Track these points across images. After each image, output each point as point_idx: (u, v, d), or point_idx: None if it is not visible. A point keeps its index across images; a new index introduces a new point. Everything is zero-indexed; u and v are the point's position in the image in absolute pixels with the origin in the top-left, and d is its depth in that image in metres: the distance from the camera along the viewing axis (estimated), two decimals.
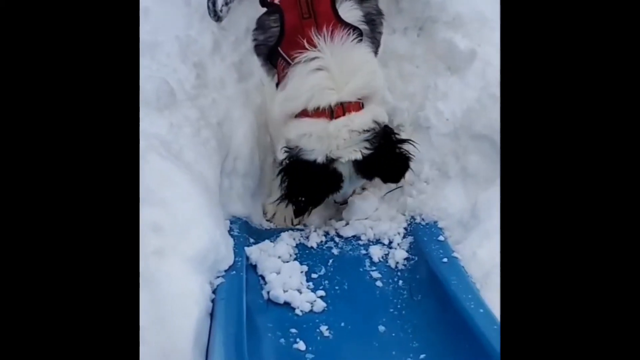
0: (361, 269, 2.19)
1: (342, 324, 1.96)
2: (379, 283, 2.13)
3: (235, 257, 2.02)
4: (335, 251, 2.26)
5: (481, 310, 1.84)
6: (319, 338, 1.91)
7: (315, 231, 2.33)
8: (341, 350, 1.88)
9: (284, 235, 2.25)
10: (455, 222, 2.26)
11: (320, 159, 2.12)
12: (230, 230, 2.16)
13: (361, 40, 2.16)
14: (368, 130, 2.11)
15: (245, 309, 1.85)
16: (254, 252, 2.14)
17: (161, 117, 2.18)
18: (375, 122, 2.14)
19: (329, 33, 2.09)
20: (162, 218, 1.83)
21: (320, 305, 2.01)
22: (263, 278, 2.08)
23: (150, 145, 2.00)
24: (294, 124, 2.16)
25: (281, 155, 2.23)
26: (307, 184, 2.17)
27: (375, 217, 2.38)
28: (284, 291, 2.02)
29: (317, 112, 2.11)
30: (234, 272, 1.97)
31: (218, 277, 1.92)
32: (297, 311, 1.99)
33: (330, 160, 2.13)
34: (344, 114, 2.10)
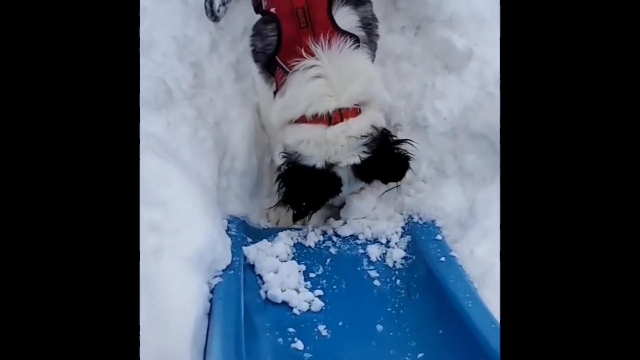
0: (359, 268, 2.19)
1: (340, 323, 1.96)
2: (376, 282, 2.13)
3: (233, 257, 2.02)
4: (333, 250, 2.26)
5: (479, 309, 1.84)
6: (316, 337, 1.91)
7: (312, 230, 2.33)
8: (339, 350, 1.88)
9: (282, 234, 2.25)
10: (453, 221, 2.26)
11: (319, 164, 2.13)
12: (227, 230, 2.16)
13: (358, 46, 2.17)
14: (366, 136, 2.12)
15: (243, 309, 1.85)
16: (252, 251, 2.14)
17: (158, 116, 2.17)
18: (374, 126, 2.15)
19: (326, 41, 2.10)
20: (159, 218, 1.83)
21: (318, 304, 2.01)
22: (261, 277, 2.08)
23: (147, 145, 2.00)
24: (292, 130, 2.16)
25: (279, 161, 2.23)
26: (306, 188, 2.18)
27: (373, 216, 2.38)
28: (282, 290, 2.02)
29: (315, 119, 2.11)
30: (232, 271, 1.97)
31: (216, 276, 1.92)
32: (295, 310, 1.99)
33: (329, 165, 2.14)
34: (341, 120, 2.11)
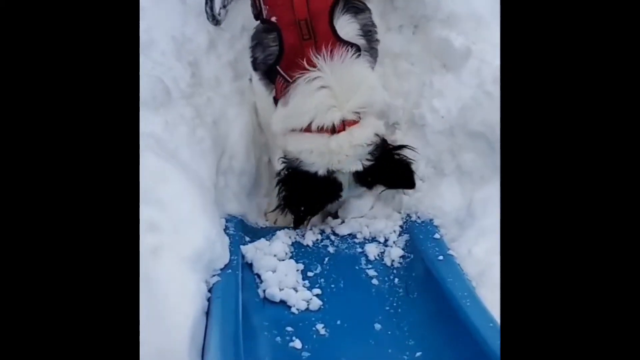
0: (357, 267, 2.19)
1: (338, 322, 1.96)
2: (374, 281, 2.13)
3: (231, 256, 2.02)
4: (331, 249, 2.26)
5: (477, 308, 1.84)
6: (315, 336, 1.91)
7: (311, 229, 2.33)
8: (337, 349, 1.88)
9: (280, 233, 2.25)
10: (451, 219, 2.26)
11: (321, 172, 2.15)
12: (225, 229, 2.16)
13: (359, 55, 2.17)
14: (370, 144, 2.14)
15: (241, 308, 1.85)
16: (250, 250, 2.14)
17: (156, 115, 2.17)
18: (377, 135, 2.16)
19: (329, 52, 2.10)
20: (157, 217, 1.83)
21: (316, 303, 2.01)
22: (259, 276, 2.08)
23: (145, 144, 1.99)
24: (294, 138, 2.17)
25: (279, 166, 2.23)
26: (306, 193, 2.18)
27: (371, 215, 2.38)
28: (280, 289, 2.02)
29: (319, 129, 2.12)
30: (230, 270, 1.97)
31: (214, 275, 1.92)
32: (293, 309, 1.99)
33: (331, 172, 2.15)
34: (344, 129, 2.12)
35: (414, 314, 1.99)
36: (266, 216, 2.46)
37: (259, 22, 2.29)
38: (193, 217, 1.92)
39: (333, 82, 2.10)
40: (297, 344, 1.87)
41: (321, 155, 2.13)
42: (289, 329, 1.92)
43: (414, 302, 2.04)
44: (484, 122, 2.26)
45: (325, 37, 2.13)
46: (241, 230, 2.24)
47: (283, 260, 2.14)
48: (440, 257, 2.09)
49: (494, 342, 1.68)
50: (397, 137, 2.49)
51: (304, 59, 2.10)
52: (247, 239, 2.22)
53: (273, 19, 2.21)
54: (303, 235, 2.30)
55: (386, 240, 2.28)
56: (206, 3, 2.56)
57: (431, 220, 2.29)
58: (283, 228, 2.32)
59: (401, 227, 2.32)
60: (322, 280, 2.11)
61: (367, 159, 2.16)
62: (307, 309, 2.00)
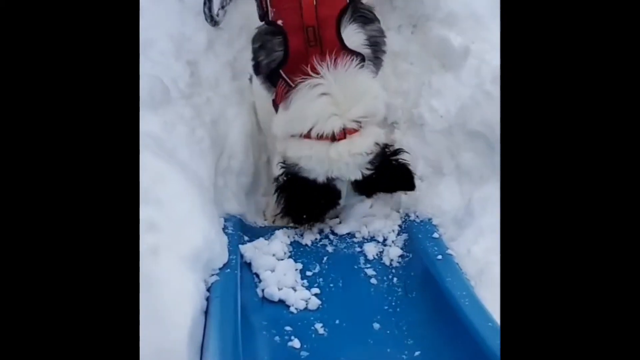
0: (356, 267, 2.19)
1: (337, 322, 1.96)
2: (373, 280, 2.13)
3: (229, 255, 2.02)
4: (329, 249, 2.26)
5: (476, 307, 1.84)
6: (313, 336, 1.91)
7: (309, 229, 2.33)
8: (336, 348, 1.88)
9: (279, 233, 2.25)
10: (449, 219, 2.26)
11: (321, 179, 2.15)
12: (224, 228, 2.16)
13: (364, 65, 2.16)
14: (370, 153, 2.13)
15: (239, 307, 1.85)
16: (249, 250, 2.14)
17: (155, 115, 2.17)
18: (377, 143, 2.15)
19: (333, 60, 2.09)
20: (156, 216, 1.83)
21: (314, 302, 2.01)
22: (257, 276, 2.08)
23: (144, 144, 1.99)
24: (294, 144, 2.17)
25: (277, 171, 2.23)
26: (305, 200, 2.18)
27: (369, 214, 2.38)
28: (279, 289, 2.02)
29: (320, 136, 2.12)
30: (229, 270, 1.97)
31: (212, 275, 1.92)
32: (292, 309, 1.99)
33: (330, 179, 2.15)
34: (344, 137, 2.11)
35: (412, 313, 1.99)
36: (265, 215, 2.46)
37: (262, 23, 2.27)
38: (192, 217, 1.92)
39: (335, 90, 2.09)
40: (296, 343, 1.86)
41: (320, 162, 2.13)
42: (288, 328, 1.92)
43: (412, 301, 2.04)
44: (483, 121, 2.26)
45: (331, 44, 2.13)
46: (240, 230, 2.24)
47: (282, 259, 2.14)
48: (439, 257, 2.09)
49: (493, 341, 1.68)
50: (395, 137, 2.49)
51: (308, 65, 2.10)
52: (246, 238, 2.22)
53: (279, 22, 2.20)
54: (302, 235, 2.30)
55: (385, 240, 2.28)
56: (204, 4, 2.56)
57: (430, 219, 2.29)
58: (282, 227, 2.32)
59: (400, 226, 2.32)
60: (321, 279, 2.11)
61: (367, 168, 2.15)
62: (306, 308, 2.00)
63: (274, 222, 2.43)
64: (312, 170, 2.16)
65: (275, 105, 2.23)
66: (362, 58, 2.16)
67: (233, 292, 1.89)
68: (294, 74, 2.12)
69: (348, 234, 2.32)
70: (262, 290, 2.03)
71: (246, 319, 1.87)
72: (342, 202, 2.28)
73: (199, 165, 2.20)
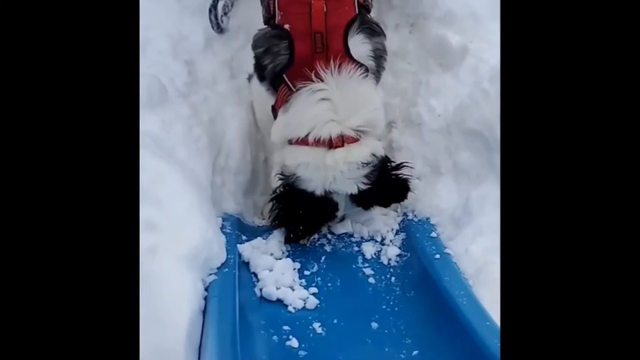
0: (354, 266, 2.19)
1: (335, 321, 1.96)
2: (371, 280, 2.13)
3: (227, 255, 2.02)
4: (327, 248, 2.26)
5: (473, 307, 1.84)
6: (311, 335, 1.91)
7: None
8: (334, 347, 1.88)
9: (276, 232, 2.24)
10: (447, 218, 2.26)
11: (318, 191, 2.14)
12: (222, 228, 2.16)
13: (367, 76, 2.15)
14: (366, 164, 2.11)
15: (237, 307, 1.85)
16: (247, 249, 2.13)
17: (153, 114, 2.17)
18: (374, 155, 2.14)
19: (337, 66, 2.09)
20: (154, 216, 1.82)
21: (312, 302, 2.01)
22: (255, 275, 2.08)
23: (142, 143, 1.99)
24: (291, 151, 2.16)
25: (275, 183, 2.22)
26: (302, 214, 2.18)
27: (367, 214, 2.37)
28: (277, 288, 2.02)
29: (317, 142, 2.11)
30: (227, 269, 1.97)
31: (210, 274, 1.92)
32: (290, 308, 1.99)
33: (328, 192, 2.15)
34: (342, 145, 2.10)
35: (410, 312, 1.99)
36: (262, 215, 2.46)
37: (266, 26, 2.26)
38: (190, 216, 1.92)
39: (336, 97, 2.08)
40: (294, 342, 1.86)
41: (317, 169, 2.11)
42: (286, 327, 1.92)
43: (410, 300, 2.04)
44: (480, 120, 2.26)
45: (337, 52, 2.12)
46: (238, 229, 2.23)
47: (280, 259, 2.14)
48: (437, 256, 2.09)
49: (491, 340, 1.68)
50: (393, 136, 2.49)
51: (313, 71, 2.09)
52: (244, 237, 2.22)
53: (286, 26, 2.18)
54: None
55: (383, 239, 2.28)
56: (210, 12, 2.58)
57: (428, 218, 2.29)
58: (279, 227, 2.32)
59: (398, 225, 2.32)
60: (319, 279, 2.11)
61: (364, 182, 2.14)
62: (304, 307, 1.99)
63: (267, 218, 2.42)
64: (309, 181, 2.14)
65: (275, 112, 2.22)
66: (366, 69, 2.16)
67: (231, 292, 1.89)
68: (297, 79, 2.12)
69: (346, 233, 2.32)
70: (260, 290, 2.03)
71: (244, 319, 1.87)
72: (339, 214, 2.27)
73: (196, 164, 2.20)
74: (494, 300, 1.58)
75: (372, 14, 2.37)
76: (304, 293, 2.03)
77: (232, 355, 1.68)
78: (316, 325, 1.93)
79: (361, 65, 2.14)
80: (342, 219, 2.34)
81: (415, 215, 2.32)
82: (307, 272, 2.13)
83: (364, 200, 2.23)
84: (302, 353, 1.84)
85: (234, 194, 2.37)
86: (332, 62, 2.09)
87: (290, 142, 2.16)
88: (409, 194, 2.32)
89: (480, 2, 2.51)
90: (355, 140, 2.11)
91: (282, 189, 2.20)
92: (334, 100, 2.08)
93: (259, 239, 2.19)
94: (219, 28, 2.60)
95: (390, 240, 2.27)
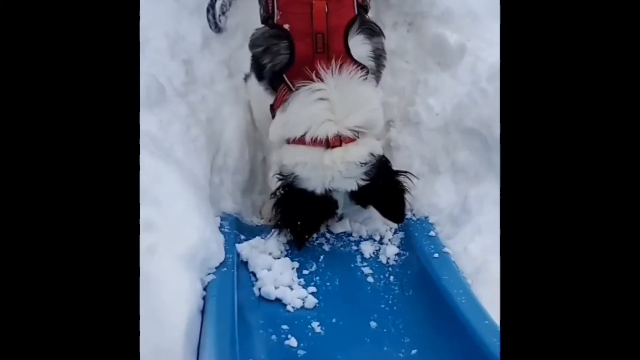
0: (352, 265, 2.19)
1: (334, 320, 1.96)
2: (370, 279, 2.13)
3: (226, 254, 2.01)
4: (326, 247, 2.26)
5: (472, 305, 1.84)
6: (310, 334, 1.91)
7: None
8: (333, 347, 1.88)
9: (275, 232, 2.24)
10: (446, 217, 2.26)
11: (318, 190, 2.14)
12: (220, 227, 2.16)
13: (367, 77, 2.16)
14: (364, 163, 2.11)
15: (236, 306, 1.85)
16: (245, 248, 2.13)
17: (151, 114, 2.16)
18: (372, 154, 2.13)
19: (337, 67, 2.08)
20: (153, 216, 1.82)
21: (311, 301, 2.00)
22: (254, 275, 2.07)
23: (142, 143, 1.98)
24: (289, 150, 2.16)
25: (274, 184, 2.22)
26: (303, 212, 2.17)
27: (366, 213, 2.37)
28: (275, 288, 2.02)
29: (314, 141, 2.10)
30: (225, 269, 1.96)
31: (209, 274, 1.92)
32: (289, 307, 1.99)
33: (327, 190, 2.15)
34: (340, 145, 2.10)
35: (409, 311, 1.99)
36: (261, 214, 2.46)
37: (264, 25, 2.26)
38: (188, 216, 1.92)
39: (334, 97, 2.08)
40: (293, 342, 1.86)
41: (315, 169, 2.11)
42: (285, 327, 1.92)
43: (409, 299, 2.04)
44: (478, 119, 2.26)
45: (338, 53, 2.12)
46: (236, 229, 2.23)
47: (278, 258, 2.14)
48: (436, 255, 2.09)
49: (490, 339, 1.68)
50: (391, 135, 2.49)
51: (313, 72, 2.09)
52: (242, 237, 2.22)
53: (285, 26, 2.18)
54: None
55: (381, 238, 2.28)
56: (208, 11, 2.58)
57: (426, 217, 2.30)
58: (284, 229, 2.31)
59: (396, 224, 2.32)
60: (318, 278, 2.11)
61: (363, 179, 2.13)
62: (303, 307, 1.99)
63: (270, 220, 2.42)
64: (308, 180, 2.14)
65: (273, 111, 2.22)
66: (367, 70, 2.16)
67: (229, 291, 1.89)
68: (297, 79, 2.12)
69: (345, 232, 2.32)
70: (259, 289, 2.02)
71: (243, 318, 1.87)
72: (339, 212, 2.27)
73: (194, 163, 2.20)
74: (492, 299, 1.58)
75: (370, 13, 2.37)
76: (303, 292, 2.03)
77: (231, 354, 1.68)
78: (315, 324, 1.93)
79: (362, 66, 2.14)
80: (341, 218, 2.34)
81: (413, 214, 2.32)
82: (305, 272, 2.13)
83: (362, 197, 2.23)
84: (301, 352, 1.84)
85: (232, 194, 2.37)
86: (333, 62, 2.08)
87: (287, 141, 2.16)
88: (407, 195, 2.32)
89: (478, 1, 2.51)
90: (352, 140, 2.11)
91: (282, 191, 2.19)
92: (331, 100, 2.08)
93: (258, 238, 2.19)
94: (216, 27, 2.61)
95: (389, 239, 2.27)
